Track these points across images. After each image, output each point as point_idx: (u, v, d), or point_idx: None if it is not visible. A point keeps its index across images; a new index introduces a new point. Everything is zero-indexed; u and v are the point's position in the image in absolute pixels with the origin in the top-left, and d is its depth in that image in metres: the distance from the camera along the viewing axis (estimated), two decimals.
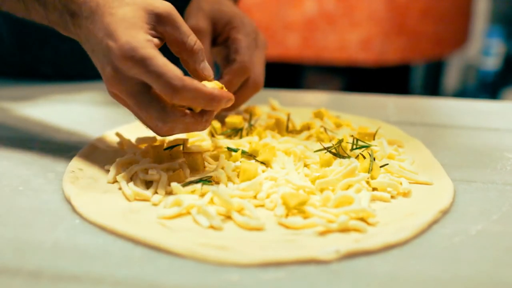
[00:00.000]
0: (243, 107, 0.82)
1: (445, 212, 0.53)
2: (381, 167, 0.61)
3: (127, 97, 0.55)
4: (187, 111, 0.56)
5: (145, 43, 0.53)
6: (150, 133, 0.71)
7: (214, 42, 0.76)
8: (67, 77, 1.03)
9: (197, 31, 0.73)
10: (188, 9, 0.76)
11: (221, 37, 0.75)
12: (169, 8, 0.57)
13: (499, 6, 2.74)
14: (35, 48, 1.02)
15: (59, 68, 1.04)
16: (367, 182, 0.58)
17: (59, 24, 0.59)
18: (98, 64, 0.57)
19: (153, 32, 0.56)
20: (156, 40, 0.56)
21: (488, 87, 2.75)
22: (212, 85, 0.57)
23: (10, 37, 1.01)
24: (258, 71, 0.73)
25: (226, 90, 0.59)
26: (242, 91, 0.73)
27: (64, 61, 1.03)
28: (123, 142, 0.68)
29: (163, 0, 0.57)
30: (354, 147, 0.65)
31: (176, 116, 0.55)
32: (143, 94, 0.54)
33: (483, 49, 2.75)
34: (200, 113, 0.57)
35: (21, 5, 0.62)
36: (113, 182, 0.59)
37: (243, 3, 1.81)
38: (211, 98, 0.54)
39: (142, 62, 0.52)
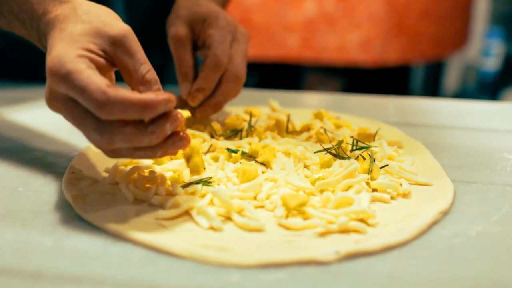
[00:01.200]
0: (243, 107, 0.82)
1: (445, 213, 0.53)
2: (381, 168, 0.61)
3: (63, 112, 0.51)
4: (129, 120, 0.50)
5: (74, 58, 0.50)
6: None
7: (196, 47, 0.76)
8: None
9: (177, 39, 0.73)
10: (168, 20, 0.76)
11: (200, 39, 0.75)
12: (125, 31, 0.53)
13: (499, 7, 2.75)
14: (36, 50, 1.02)
15: None
16: (367, 183, 0.58)
17: (37, 42, 0.58)
18: None
19: (100, 52, 0.52)
20: (99, 60, 0.52)
21: (488, 87, 2.75)
22: None
23: (11, 39, 1.01)
24: (237, 63, 0.71)
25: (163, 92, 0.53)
26: (223, 86, 0.72)
27: None
28: None
29: (123, 24, 0.54)
30: (354, 148, 0.65)
31: (113, 126, 0.49)
32: (76, 108, 0.50)
33: (483, 50, 2.75)
34: (146, 123, 0.51)
35: (3, 21, 0.61)
36: (113, 184, 0.59)
37: (243, 4, 1.82)
38: (144, 106, 0.48)
39: (66, 76, 0.48)
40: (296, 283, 0.43)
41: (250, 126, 0.73)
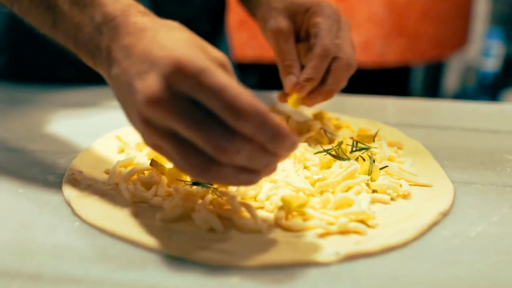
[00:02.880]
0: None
1: (445, 214, 0.53)
2: (381, 169, 0.61)
3: (175, 118, 0.43)
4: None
5: (205, 59, 0.44)
6: None
7: (298, 39, 0.73)
8: (88, 80, 1.00)
9: (279, 32, 0.70)
10: (260, 14, 0.74)
11: (303, 30, 0.72)
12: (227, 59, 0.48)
13: (499, 7, 2.75)
14: (56, 50, 1.00)
15: (80, 71, 1.03)
16: (367, 184, 0.58)
17: (88, 48, 0.52)
18: (131, 84, 0.46)
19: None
20: None
21: (488, 88, 2.75)
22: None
23: (30, 39, 1.00)
24: (348, 51, 0.69)
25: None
26: (335, 74, 0.68)
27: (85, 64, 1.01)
28: (123, 144, 0.68)
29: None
30: (354, 149, 0.65)
31: (240, 137, 0.43)
32: (198, 111, 0.43)
33: (483, 51, 2.75)
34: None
35: (49, 17, 0.55)
36: (113, 185, 0.59)
37: None
38: (278, 131, 0.43)
39: (202, 73, 0.42)
40: (296, 285, 0.43)
41: None
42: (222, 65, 0.46)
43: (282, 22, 0.70)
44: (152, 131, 0.45)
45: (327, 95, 0.71)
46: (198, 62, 0.43)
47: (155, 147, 0.47)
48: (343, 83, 0.70)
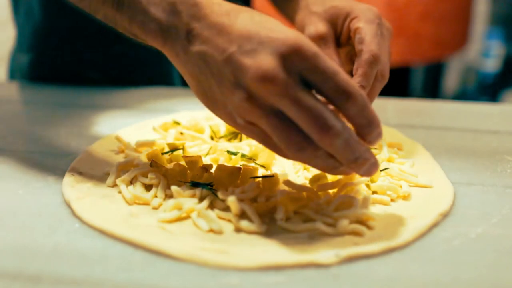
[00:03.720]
0: None
1: (445, 215, 0.53)
2: (381, 170, 0.60)
3: (286, 95, 0.45)
4: None
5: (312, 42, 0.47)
6: (149, 136, 0.71)
7: (338, 43, 0.71)
8: (114, 82, 1.01)
9: (319, 38, 0.68)
10: (298, 19, 0.73)
11: (343, 35, 0.69)
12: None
13: (499, 8, 2.75)
14: (84, 50, 1.00)
15: (107, 72, 1.02)
16: (367, 185, 0.58)
17: (160, 26, 0.52)
18: (236, 59, 0.47)
19: None
20: None
21: (488, 89, 2.75)
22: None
23: (59, 38, 1.00)
24: (384, 62, 0.65)
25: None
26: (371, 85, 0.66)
27: (113, 65, 1.01)
28: (123, 145, 0.68)
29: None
30: None
31: (343, 121, 0.47)
32: (308, 91, 0.46)
33: (483, 51, 2.75)
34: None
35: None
36: (113, 186, 0.59)
37: None
38: (373, 117, 0.48)
39: (316, 56, 0.46)
40: (296, 286, 0.43)
41: None
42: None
43: (321, 27, 0.68)
44: (254, 108, 0.47)
45: None
46: (313, 46, 0.46)
47: (247, 126, 0.49)
48: (375, 95, 0.66)
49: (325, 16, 0.69)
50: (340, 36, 0.69)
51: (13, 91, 1.01)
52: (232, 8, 0.51)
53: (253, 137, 0.51)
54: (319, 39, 0.68)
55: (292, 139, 0.47)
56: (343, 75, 0.46)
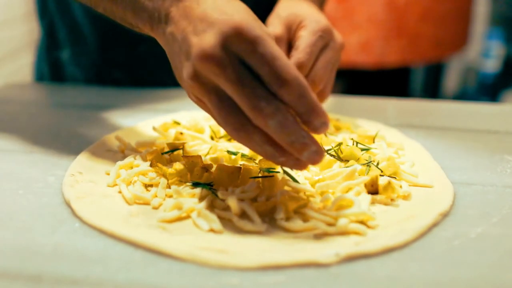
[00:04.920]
0: None
1: (445, 215, 0.53)
2: (386, 175, 0.60)
3: (223, 73, 0.47)
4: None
5: (263, 29, 0.49)
6: (149, 136, 0.71)
7: (290, 48, 0.72)
8: (138, 82, 1.02)
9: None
10: (268, 20, 0.75)
11: (293, 40, 0.71)
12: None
13: (499, 8, 2.75)
14: (111, 49, 1.01)
15: (131, 72, 1.03)
16: (365, 186, 0.58)
17: (148, 12, 0.56)
18: (184, 42, 0.51)
19: None
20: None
21: (488, 89, 2.75)
22: None
23: (92, 39, 1.00)
24: (317, 69, 0.68)
25: None
26: None
27: (138, 65, 1.03)
28: (123, 145, 0.68)
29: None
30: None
31: (280, 103, 0.48)
32: (246, 71, 0.48)
33: (483, 51, 2.75)
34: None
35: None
36: (113, 186, 0.59)
37: None
38: (314, 106, 0.48)
39: (257, 39, 0.47)
40: (295, 285, 0.43)
41: None
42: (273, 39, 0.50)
43: (278, 29, 0.72)
44: (198, 85, 0.50)
45: None
46: (256, 29, 0.47)
47: (198, 101, 0.53)
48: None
49: (285, 21, 0.72)
50: (292, 41, 0.72)
51: (14, 91, 1.01)
52: None
53: (206, 111, 0.54)
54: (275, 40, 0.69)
55: (229, 119, 0.49)
56: (282, 61, 0.47)
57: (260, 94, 0.48)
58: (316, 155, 0.49)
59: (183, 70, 0.51)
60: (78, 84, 1.05)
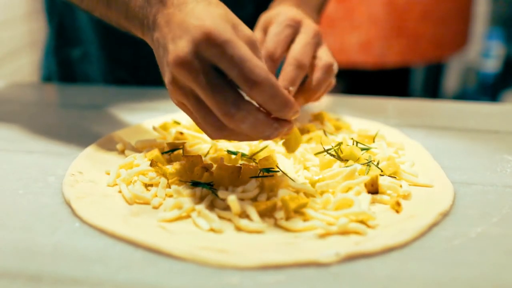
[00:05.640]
0: None
1: (445, 215, 0.53)
2: (381, 175, 0.60)
3: (196, 80, 0.49)
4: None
5: (233, 32, 0.50)
6: (151, 136, 0.71)
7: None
8: (143, 82, 1.03)
9: None
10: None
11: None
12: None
13: (499, 8, 2.75)
14: (115, 49, 1.02)
15: (136, 71, 1.04)
16: (365, 185, 0.58)
17: (138, 18, 0.58)
18: (166, 48, 0.52)
19: None
20: None
21: (488, 89, 2.75)
22: None
23: (96, 39, 1.01)
24: (295, 49, 0.67)
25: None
26: (282, 70, 0.67)
27: (142, 64, 1.03)
28: (123, 145, 0.68)
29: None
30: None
31: (251, 106, 0.50)
32: (216, 78, 0.49)
33: (483, 51, 2.75)
34: (273, 117, 0.52)
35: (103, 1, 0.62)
36: (113, 185, 0.59)
37: None
38: (285, 102, 0.50)
39: (226, 43, 0.48)
40: (296, 285, 0.43)
41: None
42: (249, 42, 0.51)
43: (256, 34, 0.73)
44: (177, 89, 0.52)
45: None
46: (225, 34, 0.48)
47: (179, 104, 0.55)
48: (298, 82, 0.67)
49: (261, 25, 0.74)
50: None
51: (15, 91, 1.01)
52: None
53: (187, 114, 0.55)
54: None
55: (209, 119, 0.52)
56: (251, 62, 0.48)
57: (230, 100, 0.49)
58: (289, 130, 0.53)
59: (164, 75, 0.53)
60: (86, 83, 1.05)
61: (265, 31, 0.73)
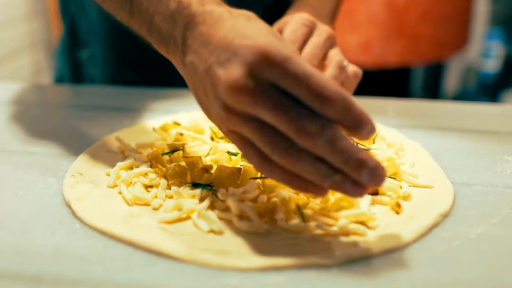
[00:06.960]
0: None
1: (445, 216, 0.53)
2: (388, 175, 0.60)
3: (257, 103, 0.44)
4: None
5: (288, 48, 0.46)
6: (150, 138, 0.71)
7: None
8: (151, 83, 1.02)
9: None
10: None
11: None
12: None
13: (499, 8, 2.75)
14: (124, 50, 1.02)
15: (144, 72, 1.03)
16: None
17: (161, 35, 0.54)
18: (210, 76, 0.47)
19: None
20: None
21: (488, 89, 2.75)
22: None
23: (106, 40, 1.01)
24: (303, 54, 0.66)
25: None
26: None
27: (150, 65, 1.02)
28: (123, 146, 0.68)
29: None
30: None
31: (324, 121, 0.44)
32: (279, 95, 0.45)
33: (483, 52, 2.75)
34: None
35: (127, 3, 0.57)
36: (113, 187, 0.59)
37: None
38: (361, 117, 0.44)
39: (286, 61, 0.43)
40: (296, 286, 0.43)
41: None
42: (297, 54, 0.46)
43: None
44: (232, 117, 0.46)
45: None
46: (283, 50, 0.44)
47: (231, 133, 0.49)
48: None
49: (276, 29, 0.71)
50: None
51: (15, 92, 1.01)
52: (221, 15, 0.50)
53: (237, 146, 0.49)
54: None
55: (275, 141, 0.45)
56: (316, 77, 0.43)
57: (302, 114, 0.44)
58: (377, 171, 0.44)
59: (213, 105, 0.48)
60: (91, 85, 1.05)
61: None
